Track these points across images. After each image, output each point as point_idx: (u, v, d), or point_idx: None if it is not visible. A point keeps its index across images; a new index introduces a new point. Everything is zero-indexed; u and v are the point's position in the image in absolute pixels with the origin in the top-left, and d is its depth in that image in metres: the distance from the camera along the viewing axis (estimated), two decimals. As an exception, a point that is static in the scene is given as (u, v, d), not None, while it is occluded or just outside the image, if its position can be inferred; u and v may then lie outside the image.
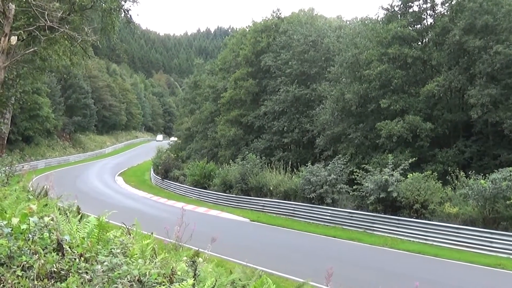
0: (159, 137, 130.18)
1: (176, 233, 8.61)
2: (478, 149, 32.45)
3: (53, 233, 5.12)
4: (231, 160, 43.34)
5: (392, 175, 27.95)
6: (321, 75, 45.31)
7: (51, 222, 5.38)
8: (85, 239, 5.52)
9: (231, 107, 52.54)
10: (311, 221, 31.39)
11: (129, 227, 7.30)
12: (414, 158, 29.99)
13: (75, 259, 4.71)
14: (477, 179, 24.85)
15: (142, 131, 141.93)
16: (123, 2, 29.78)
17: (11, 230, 4.93)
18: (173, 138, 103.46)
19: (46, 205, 8.53)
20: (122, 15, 31.47)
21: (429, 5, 37.00)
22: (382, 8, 39.78)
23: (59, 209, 8.66)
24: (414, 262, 21.01)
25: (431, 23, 37.48)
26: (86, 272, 4.50)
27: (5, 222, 5.12)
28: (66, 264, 4.60)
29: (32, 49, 19.38)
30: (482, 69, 30.68)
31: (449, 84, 32.62)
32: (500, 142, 31.80)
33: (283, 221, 31.62)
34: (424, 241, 24.97)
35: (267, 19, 55.91)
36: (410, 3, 37.56)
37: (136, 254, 5.42)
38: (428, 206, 26.18)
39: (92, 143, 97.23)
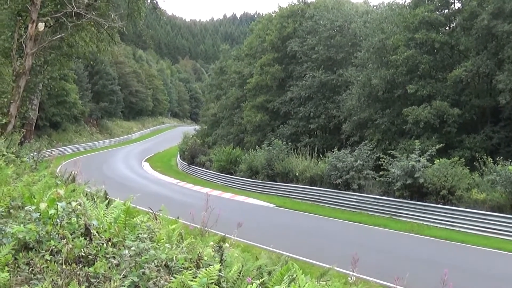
0: None
1: (202, 219, 8.66)
2: (506, 135, 31.96)
3: (80, 218, 5.20)
4: (257, 146, 43.38)
5: (419, 161, 27.74)
6: (347, 60, 44.94)
7: (79, 207, 5.45)
8: (113, 224, 5.58)
9: (257, 93, 52.42)
10: (337, 207, 31.37)
11: (156, 213, 7.35)
12: (441, 144, 29.67)
13: (102, 244, 4.77)
14: (505, 165, 24.62)
15: (168, 117, 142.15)
16: (149, -12, 29.88)
17: (40, 215, 5.01)
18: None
19: (74, 190, 8.61)
20: (148, 1, 31.56)
21: (457, -11, 36.46)
22: (409, -8, 39.32)
23: (86, 194, 8.74)
24: (440, 248, 20.89)
25: (459, 7, 36.88)
26: (114, 257, 4.56)
27: (33, 207, 5.20)
28: (94, 249, 4.66)
29: (59, 36, 19.56)
30: (510, 54, 30.13)
31: (477, 69, 32.11)
32: (529, 128, 31.37)
33: (309, 207, 31.64)
34: (451, 227, 24.81)
35: (293, 4, 55.58)
36: (438, -12, 37.02)
37: (163, 239, 5.47)
38: (455, 192, 25.98)
39: (119, 129, 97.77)
